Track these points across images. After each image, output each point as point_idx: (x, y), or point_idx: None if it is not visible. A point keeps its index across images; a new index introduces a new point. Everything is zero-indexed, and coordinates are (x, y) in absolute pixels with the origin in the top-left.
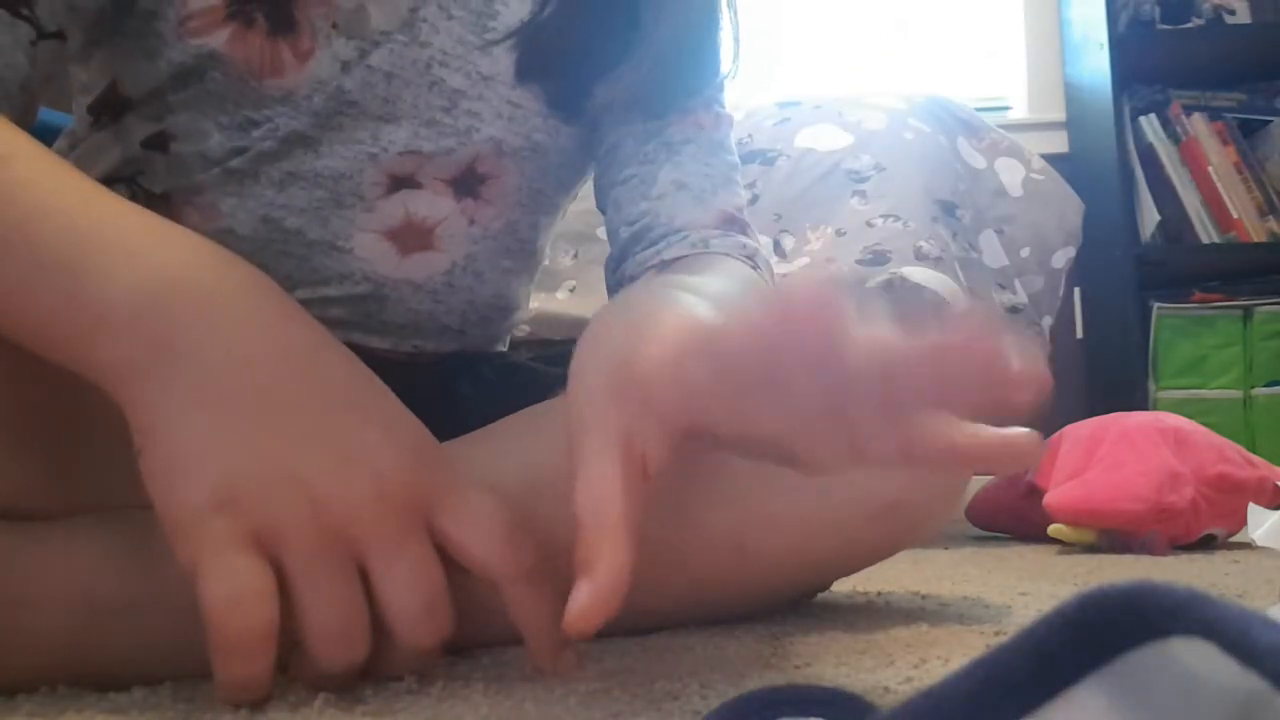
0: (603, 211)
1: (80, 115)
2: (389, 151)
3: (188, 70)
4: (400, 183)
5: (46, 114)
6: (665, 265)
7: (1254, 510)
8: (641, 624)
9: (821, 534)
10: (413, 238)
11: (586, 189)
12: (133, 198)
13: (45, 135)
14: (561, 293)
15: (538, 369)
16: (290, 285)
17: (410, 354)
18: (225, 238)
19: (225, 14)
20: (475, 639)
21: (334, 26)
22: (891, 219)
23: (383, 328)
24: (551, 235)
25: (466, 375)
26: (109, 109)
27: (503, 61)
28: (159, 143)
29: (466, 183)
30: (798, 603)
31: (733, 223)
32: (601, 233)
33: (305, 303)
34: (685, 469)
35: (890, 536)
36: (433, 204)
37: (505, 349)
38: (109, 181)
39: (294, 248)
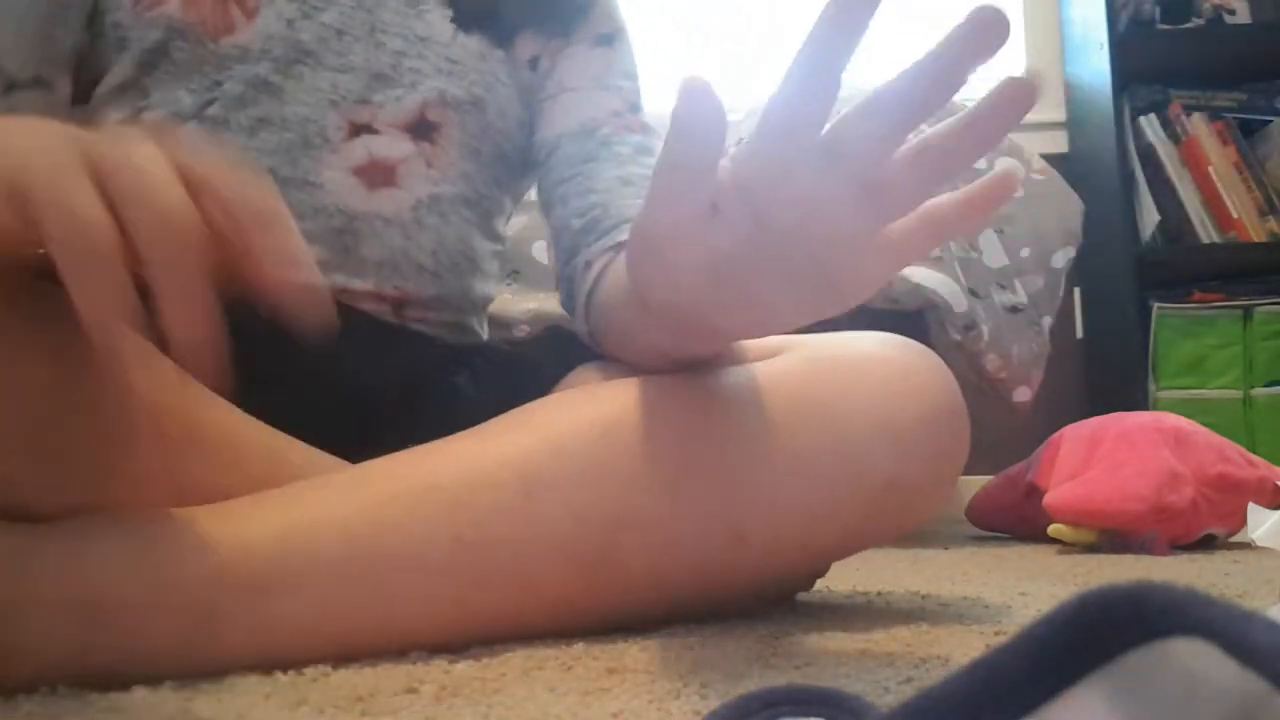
0: (548, 212)
1: None
2: (347, 100)
3: (154, 49)
4: (360, 129)
5: None
6: (619, 248)
7: (1254, 510)
8: (645, 615)
9: (820, 519)
10: (377, 175)
11: None
12: None
13: None
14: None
15: (538, 365)
16: None
17: (396, 298)
18: None
19: None
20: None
21: None
22: None
23: (361, 265)
24: (505, 222)
25: (464, 368)
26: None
27: (437, 24)
28: (132, 119)
29: (420, 128)
30: (797, 594)
31: None
32: None
33: None
34: (681, 445)
35: (888, 519)
36: (392, 145)
37: (486, 338)
38: None
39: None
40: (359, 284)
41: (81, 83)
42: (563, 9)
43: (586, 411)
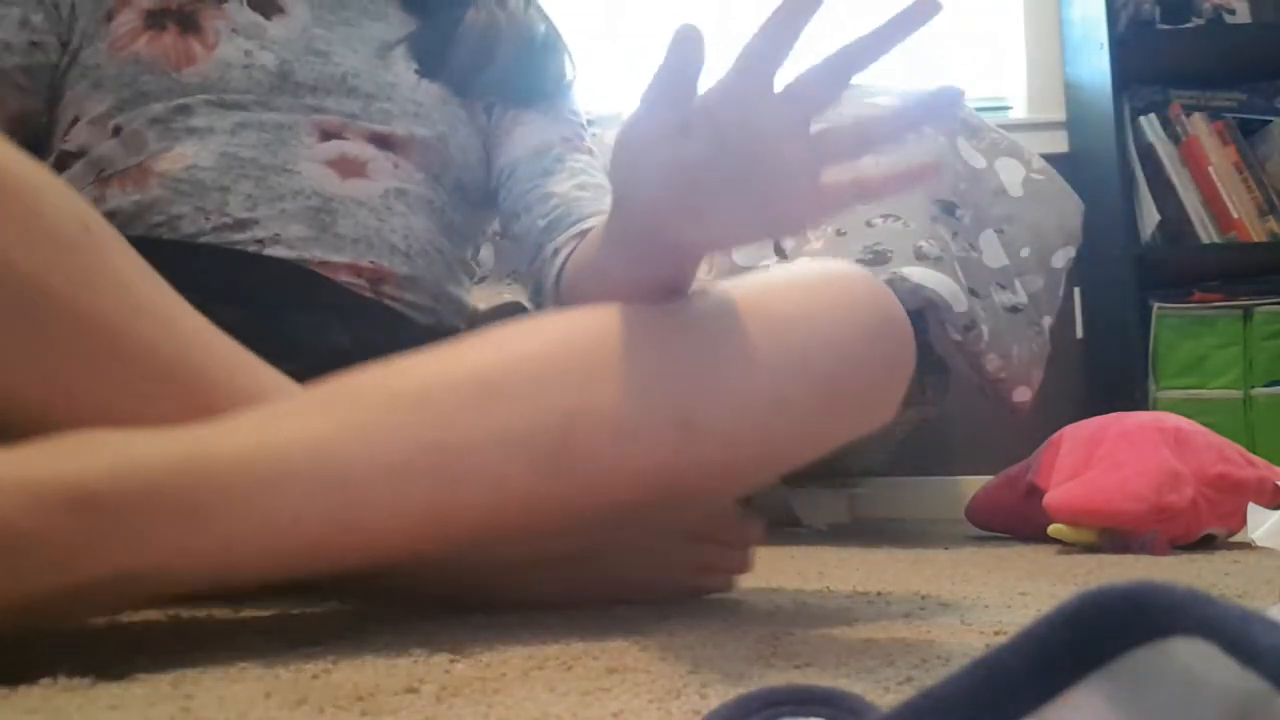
0: (511, 225)
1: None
2: (320, 114)
3: (128, 84)
4: (330, 135)
5: None
6: (583, 235)
7: (1254, 510)
8: (610, 510)
9: (768, 408)
10: (348, 167)
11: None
12: (102, 180)
13: None
14: None
15: None
16: (252, 204)
17: (371, 272)
18: (193, 170)
19: (143, 26)
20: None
21: (234, 30)
22: (891, 219)
23: (339, 242)
24: (474, 255)
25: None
26: (72, 154)
27: (403, 72)
28: (114, 133)
29: (385, 143)
30: (758, 490)
31: None
32: None
33: (268, 219)
34: (631, 345)
35: (839, 415)
36: (361, 149)
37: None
38: (75, 186)
39: (250, 170)
40: (337, 257)
41: (55, 123)
42: (524, 90)
43: (542, 324)
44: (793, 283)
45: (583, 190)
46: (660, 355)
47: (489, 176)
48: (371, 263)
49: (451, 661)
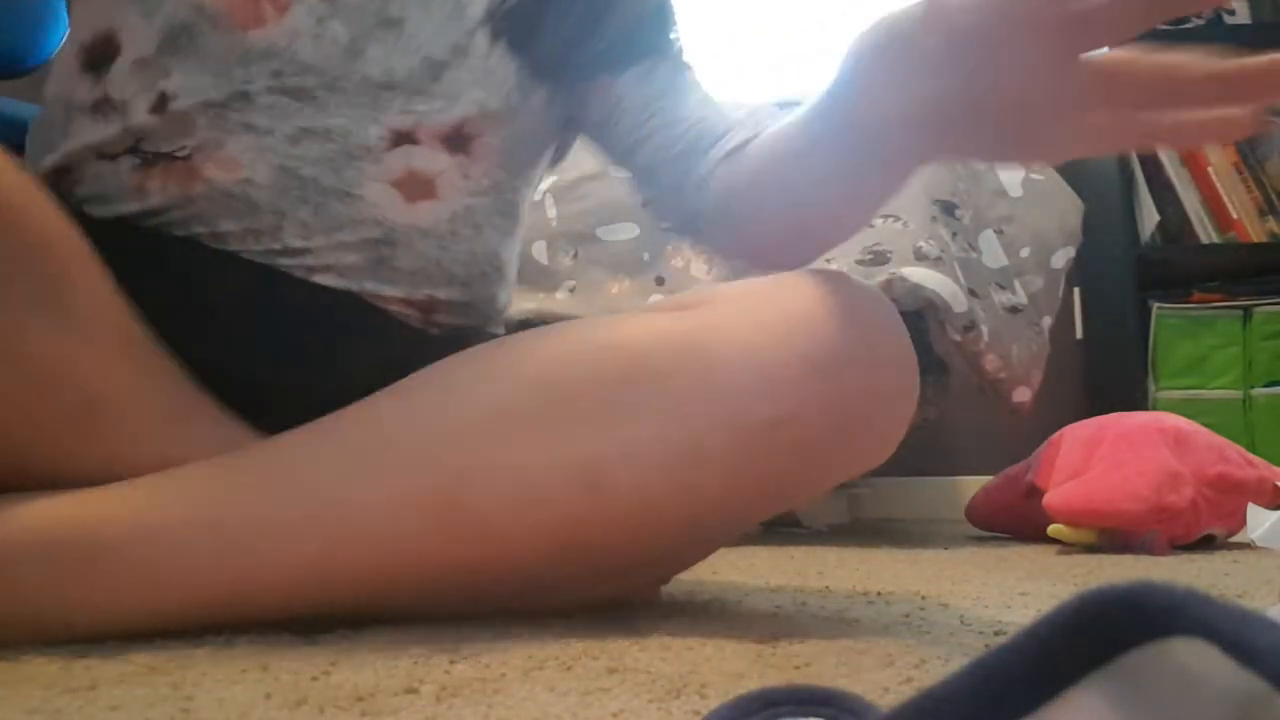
0: (630, 157)
1: (68, 68)
2: (389, 111)
3: (179, 28)
4: (401, 138)
5: (9, 105)
6: (735, 152)
7: (1254, 510)
8: (513, 572)
9: (687, 461)
10: (417, 187)
11: (580, 190)
12: (144, 165)
13: (8, 128)
14: (561, 293)
15: None
16: (308, 232)
17: (425, 303)
18: (246, 187)
19: None
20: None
21: None
22: (891, 219)
23: (395, 275)
24: (529, 203)
25: None
26: (102, 58)
27: (479, 37)
28: (160, 105)
29: (457, 140)
30: (681, 569)
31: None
32: (602, 233)
33: (322, 249)
34: (535, 400)
35: (779, 460)
36: (431, 158)
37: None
38: (109, 156)
39: (310, 194)
40: (391, 291)
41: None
42: (628, 59)
43: (433, 373)
44: (745, 311)
45: (705, 107)
46: (564, 406)
47: (563, 138)
48: (427, 295)
49: (451, 662)
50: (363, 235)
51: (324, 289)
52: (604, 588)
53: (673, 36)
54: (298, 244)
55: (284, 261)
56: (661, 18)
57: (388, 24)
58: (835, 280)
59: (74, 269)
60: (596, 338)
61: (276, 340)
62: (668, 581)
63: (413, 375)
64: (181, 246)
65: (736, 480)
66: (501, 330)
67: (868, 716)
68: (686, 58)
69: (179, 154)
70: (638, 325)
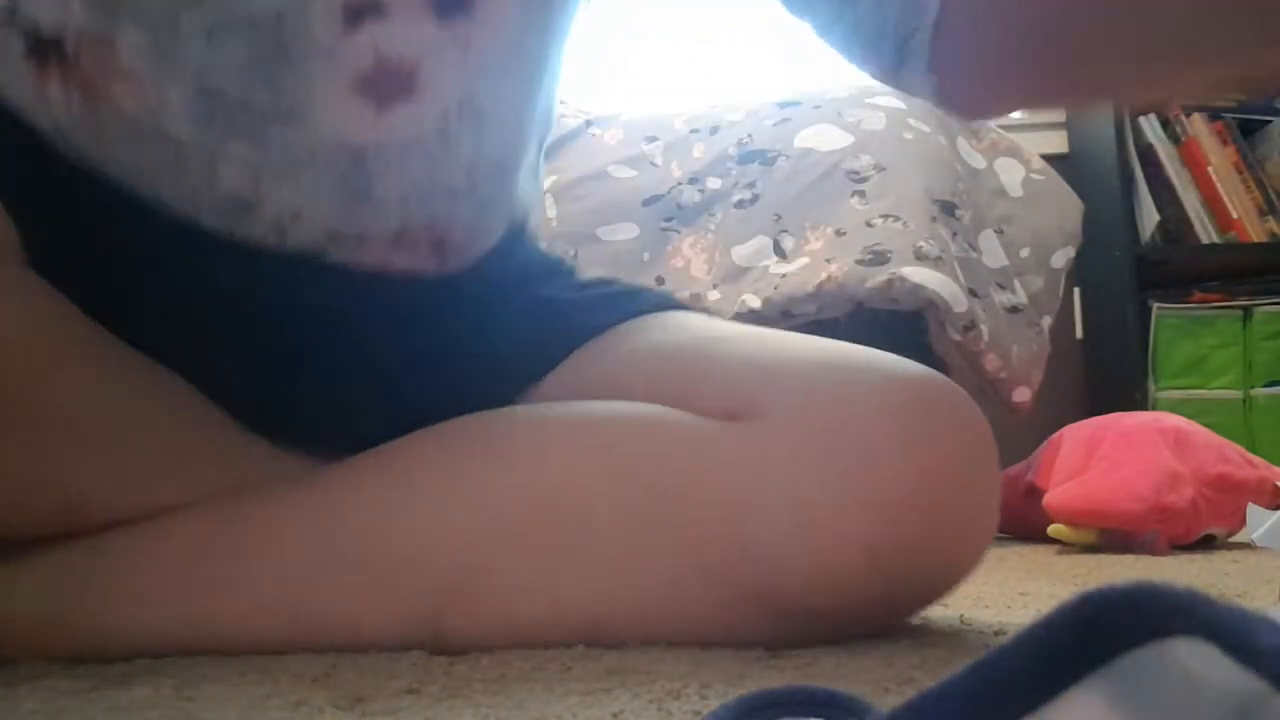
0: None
1: None
2: None
3: None
4: (359, 12)
5: None
6: None
7: (1254, 510)
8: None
9: (706, 628)
10: (388, 86)
11: (580, 190)
12: (33, 55)
13: None
14: None
15: (555, 299)
16: (254, 176)
17: (428, 235)
18: (156, 116)
19: None
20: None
21: None
22: (891, 219)
23: (378, 209)
24: (559, 75)
25: (448, 298)
26: None
27: None
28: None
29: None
30: None
31: None
32: (601, 233)
33: (279, 195)
34: (545, 541)
35: (790, 632)
36: (408, 36)
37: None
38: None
39: (241, 120)
40: (378, 225)
41: None
42: None
43: (447, 448)
44: (804, 443)
45: None
46: (571, 539)
47: None
48: (427, 225)
49: (451, 662)
50: (324, 170)
51: (305, 267)
52: None
53: None
54: (245, 194)
55: (243, 221)
56: None
57: None
58: (929, 401)
59: (50, 368)
60: (624, 451)
61: (276, 345)
62: None
63: (433, 441)
64: (128, 210)
65: (698, 614)
66: (537, 255)
67: (867, 716)
68: None
69: (64, 44)
70: (669, 438)
